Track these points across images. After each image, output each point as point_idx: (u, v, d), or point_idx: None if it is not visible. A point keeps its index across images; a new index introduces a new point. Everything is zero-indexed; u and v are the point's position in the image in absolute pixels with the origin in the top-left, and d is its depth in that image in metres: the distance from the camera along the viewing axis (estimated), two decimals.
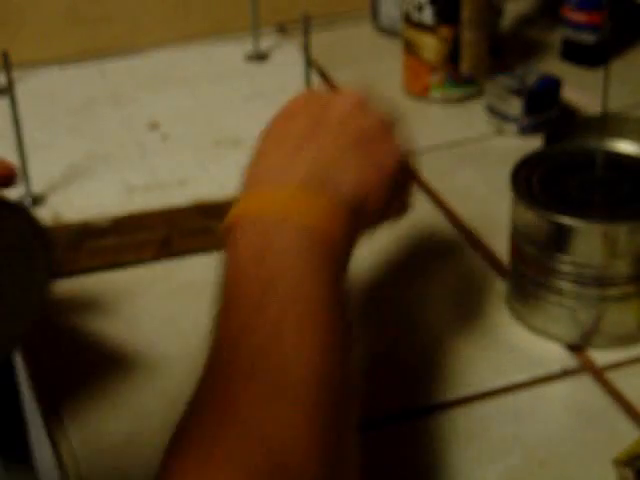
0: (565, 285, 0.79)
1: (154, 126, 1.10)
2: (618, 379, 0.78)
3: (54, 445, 0.76)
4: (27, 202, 1.00)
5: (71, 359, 0.82)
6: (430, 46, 1.10)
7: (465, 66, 1.11)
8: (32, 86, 1.07)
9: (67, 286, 0.90)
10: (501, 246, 0.88)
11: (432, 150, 1.06)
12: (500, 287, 0.87)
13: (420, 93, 1.14)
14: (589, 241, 0.77)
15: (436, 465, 0.73)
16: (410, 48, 1.12)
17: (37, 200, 1.00)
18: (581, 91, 1.09)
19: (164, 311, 0.86)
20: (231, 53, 1.13)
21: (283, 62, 1.11)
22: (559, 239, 0.78)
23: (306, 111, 0.70)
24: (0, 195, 0.64)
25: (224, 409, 0.54)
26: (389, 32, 1.25)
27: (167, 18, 1.25)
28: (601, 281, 0.78)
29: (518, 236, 0.81)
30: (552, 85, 1.07)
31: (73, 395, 0.79)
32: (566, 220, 0.77)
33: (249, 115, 1.09)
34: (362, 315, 0.83)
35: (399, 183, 0.70)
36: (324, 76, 1.18)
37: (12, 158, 0.91)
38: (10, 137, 0.99)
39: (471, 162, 1.04)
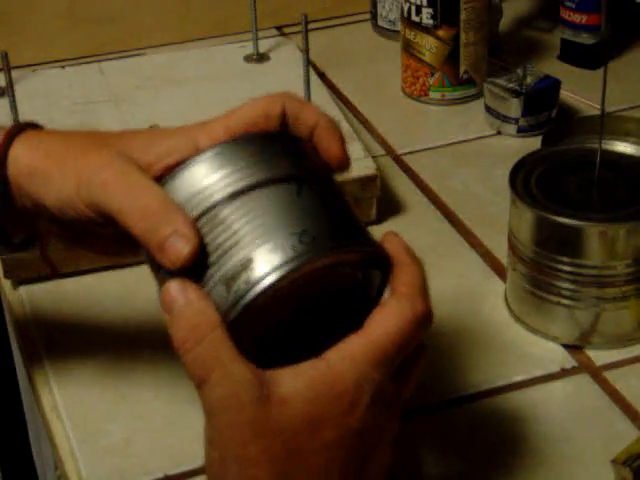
0: (564, 285, 0.79)
1: (154, 126, 1.10)
2: (617, 379, 0.78)
3: (54, 444, 0.77)
4: None
5: (71, 359, 0.82)
6: (429, 47, 1.11)
7: (464, 67, 1.11)
8: (32, 86, 1.07)
9: (67, 286, 0.90)
10: (500, 246, 0.88)
11: (431, 150, 1.06)
12: (499, 287, 0.87)
13: (419, 94, 1.14)
14: (588, 241, 0.77)
15: (435, 465, 0.73)
16: (409, 49, 1.12)
17: None
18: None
19: None
20: (231, 53, 1.13)
21: (283, 62, 1.11)
22: (558, 239, 0.78)
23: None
24: None
25: None
26: (388, 33, 1.25)
27: (167, 18, 1.25)
28: (600, 281, 0.78)
29: (517, 236, 0.81)
30: (551, 85, 1.07)
31: (73, 395, 0.79)
32: (565, 220, 0.77)
33: None
34: None
35: None
36: (323, 76, 1.18)
37: None
38: None
39: (470, 162, 1.04)
